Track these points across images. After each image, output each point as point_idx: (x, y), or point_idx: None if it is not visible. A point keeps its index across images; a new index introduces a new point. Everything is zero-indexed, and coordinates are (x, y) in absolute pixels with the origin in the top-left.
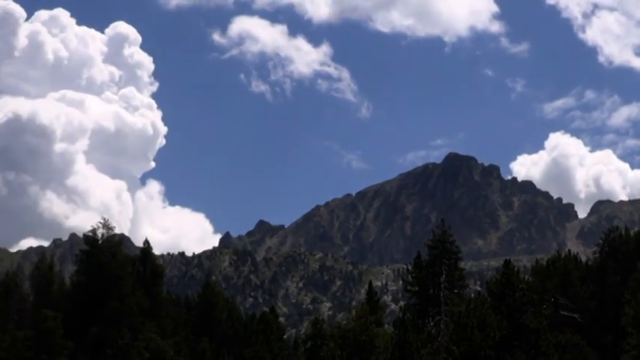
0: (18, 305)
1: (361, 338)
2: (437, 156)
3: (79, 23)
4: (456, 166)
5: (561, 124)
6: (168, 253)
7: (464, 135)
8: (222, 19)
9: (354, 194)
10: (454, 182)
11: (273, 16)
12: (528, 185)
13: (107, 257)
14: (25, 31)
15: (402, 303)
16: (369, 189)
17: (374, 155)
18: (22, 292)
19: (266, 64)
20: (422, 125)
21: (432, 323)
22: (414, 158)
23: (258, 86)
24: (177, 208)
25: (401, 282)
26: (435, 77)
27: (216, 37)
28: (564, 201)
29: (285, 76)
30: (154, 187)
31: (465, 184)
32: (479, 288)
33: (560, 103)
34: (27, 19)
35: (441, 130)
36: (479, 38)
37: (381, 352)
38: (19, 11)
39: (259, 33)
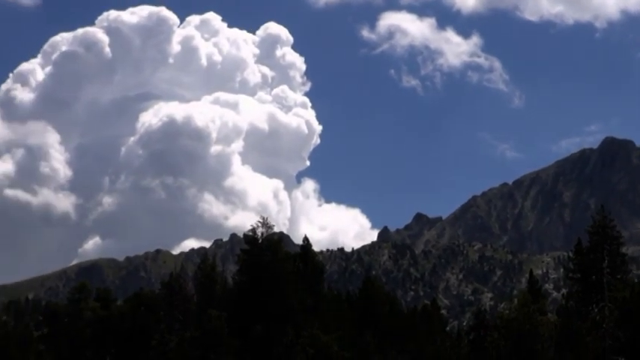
0: (183, 306)
1: (525, 327)
2: (591, 142)
3: (230, 26)
4: (613, 150)
5: None
6: (328, 250)
7: (618, 119)
8: (370, 15)
9: (510, 183)
10: (612, 167)
11: (421, 9)
12: None
13: (268, 256)
14: (178, 37)
15: (564, 291)
16: (525, 177)
17: (528, 144)
18: (186, 293)
19: (415, 58)
20: (575, 112)
21: (596, 310)
22: (568, 145)
23: (409, 81)
24: (333, 205)
25: (562, 269)
26: (587, 63)
27: (365, 33)
28: None
29: (435, 69)
30: (310, 185)
31: (623, 168)
32: None
33: None
34: (179, 25)
35: (595, 115)
36: (631, 22)
37: (545, 340)
38: (173, 18)
39: (408, 27)
